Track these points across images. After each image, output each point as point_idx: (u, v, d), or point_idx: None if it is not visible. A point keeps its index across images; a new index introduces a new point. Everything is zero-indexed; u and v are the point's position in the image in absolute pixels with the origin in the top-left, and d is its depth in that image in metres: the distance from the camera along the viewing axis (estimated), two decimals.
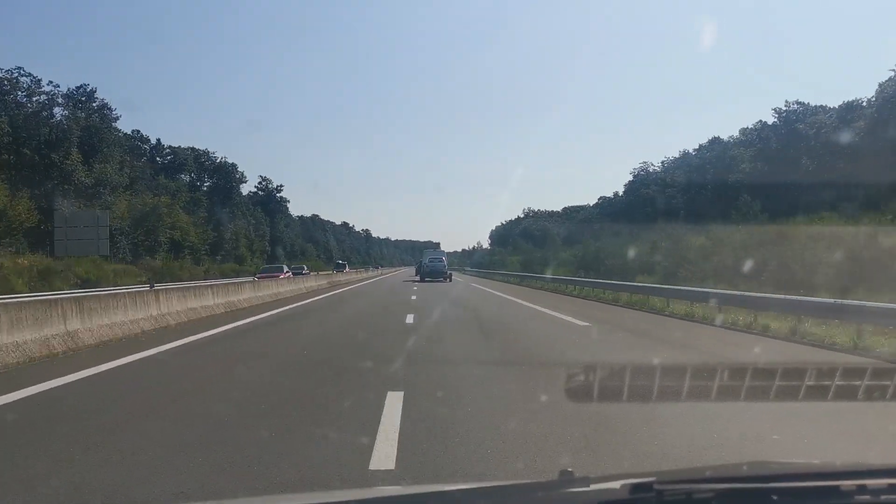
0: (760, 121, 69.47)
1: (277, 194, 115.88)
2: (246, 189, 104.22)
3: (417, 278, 49.21)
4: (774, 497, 1.46)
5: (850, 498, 1.46)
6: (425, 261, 50.05)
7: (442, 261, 49.72)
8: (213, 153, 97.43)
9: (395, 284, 43.26)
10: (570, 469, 1.80)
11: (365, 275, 71.92)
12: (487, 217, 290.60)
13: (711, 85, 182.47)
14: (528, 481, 2.62)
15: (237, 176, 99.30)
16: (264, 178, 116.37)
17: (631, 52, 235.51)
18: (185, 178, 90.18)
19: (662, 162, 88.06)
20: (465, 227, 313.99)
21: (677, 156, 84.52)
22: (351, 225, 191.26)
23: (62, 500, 3.79)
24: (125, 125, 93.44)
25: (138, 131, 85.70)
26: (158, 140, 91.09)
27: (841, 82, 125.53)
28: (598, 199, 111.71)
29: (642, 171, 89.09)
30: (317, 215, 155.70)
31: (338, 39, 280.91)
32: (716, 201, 56.75)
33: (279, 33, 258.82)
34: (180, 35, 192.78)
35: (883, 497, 1.46)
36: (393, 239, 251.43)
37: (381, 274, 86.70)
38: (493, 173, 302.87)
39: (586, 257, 43.24)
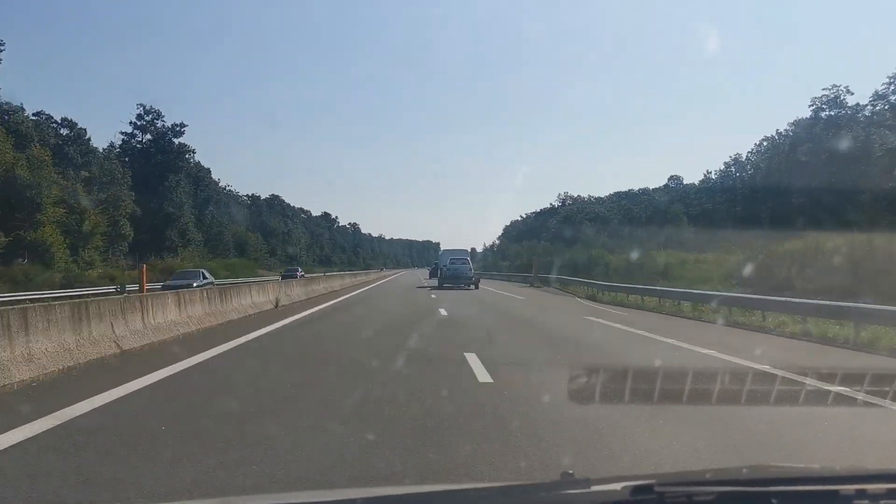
0: None
1: (175, 140, 64.17)
2: (107, 129, 56.07)
3: (434, 282, 42.82)
4: (774, 501, 1.47)
5: (849, 502, 1.47)
6: (445, 262, 42.50)
7: (466, 262, 42.00)
8: None
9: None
10: (570, 471, 1.81)
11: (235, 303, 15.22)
12: (487, 217, 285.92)
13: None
14: (530, 482, 2.63)
15: None
16: (148, 110, 64.07)
17: (632, 49, 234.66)
18: None
19: (890, 78, 45.75)
20: (464, 228, 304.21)
21: None
22: (334, 217, 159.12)
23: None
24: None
25: None
26: None
27: None
28: (669, 179, 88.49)
29: (832, 98, 50.32)
30: (278, 196, 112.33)
31: (325, 29, 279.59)
32: None
33: (276, 32, 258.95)
34: (173, 33, 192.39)
35: (882, 502, 1.47)
36: (387, 237, 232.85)
37: (331, 292, 30.70)
38: (495, 171, 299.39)
39: None
